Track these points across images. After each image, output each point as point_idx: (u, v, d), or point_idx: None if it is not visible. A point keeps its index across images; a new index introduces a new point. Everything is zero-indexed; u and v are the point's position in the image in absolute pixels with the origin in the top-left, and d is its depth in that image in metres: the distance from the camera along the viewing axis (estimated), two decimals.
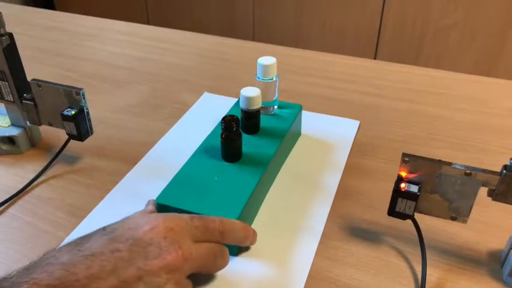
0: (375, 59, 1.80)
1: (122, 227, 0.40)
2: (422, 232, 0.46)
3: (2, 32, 0.56)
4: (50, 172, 0.59)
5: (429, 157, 0.44)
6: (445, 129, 0.67)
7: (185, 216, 0.42)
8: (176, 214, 0.43)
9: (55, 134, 0.64)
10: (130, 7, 2.21)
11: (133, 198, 0.54)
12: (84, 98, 0.56)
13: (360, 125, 0.67)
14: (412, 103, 0.73)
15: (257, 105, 0.55)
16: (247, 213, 0.49)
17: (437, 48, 1.77)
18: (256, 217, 0.52)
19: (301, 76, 0.81)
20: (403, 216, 0.46)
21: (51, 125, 0.60)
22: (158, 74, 0.83)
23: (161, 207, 0.48)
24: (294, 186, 0.56)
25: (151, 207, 0.48)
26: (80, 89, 0.56)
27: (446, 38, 1.73)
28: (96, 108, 0.65)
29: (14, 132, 0.62)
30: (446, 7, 1.67)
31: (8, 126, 0.63)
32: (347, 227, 0.51)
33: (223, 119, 0.51)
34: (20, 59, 0.59)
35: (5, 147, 0.62)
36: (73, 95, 0.56)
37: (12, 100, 0.60)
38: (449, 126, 0.67)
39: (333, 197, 0.54)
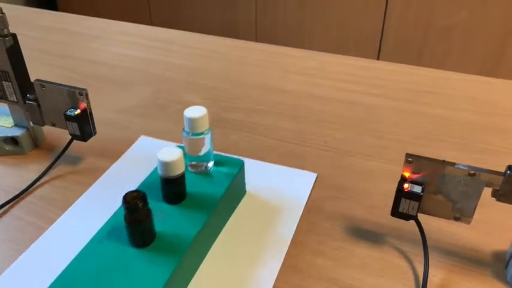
0: (378, 59, 1.80)
1: None
2: (426, 233, 0.46)
3: (6, 33, 0.56)
4: (52, 172, 0.59)
5: (433, 157, 0.44)
6: (449, 129, 0.67)
7: None
8: None
9: (58, 135, 0.64)
10: (132, 8, 2.21)
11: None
12: (87, 98, 0.56)
13: (317, 178, 0.57)
14: (415, 104, 0.73)
15: (178, 170, 0.45)
16: None
17: (440, 49, 1.76)
18: None
19: (304, 77, 0.81)
20: (406, 216, 0.46)
21: (54, 125, 0.60)
22: (161, 75, 0.83)
23: None
24: (227, 268, 0.46)
25: None
26: (83, 89, 0.56)
27: (449, 38, 1.72)
28: (99, 109, 0.65)
29: (17, 132, 0.62)
30: (449, 7, 1.67)
31: (11, 126, 0.63)
32: (350, 227, 0.51)
33: (125, 197, 0.40)
34: (23, 59, 0.59)
35: (8, 147, 0.62)
36: (76, 95, 0.56)
37: (15, 100, 0.60)
38: (452, 127, 0.67)
39: (273, 282, 0.45)
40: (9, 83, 0.59)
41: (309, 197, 0.55)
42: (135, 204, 0.40)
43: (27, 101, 0.60)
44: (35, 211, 0.54)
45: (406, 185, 0.44)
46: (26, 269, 0.47)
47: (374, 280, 0.45)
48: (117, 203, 0.47)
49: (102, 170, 0.59)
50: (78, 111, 0.57)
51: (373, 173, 0.59)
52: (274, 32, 2.00)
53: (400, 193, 0.44)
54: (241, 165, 0.52)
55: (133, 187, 0.49)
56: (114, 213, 0.46)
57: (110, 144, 0.64)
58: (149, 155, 0.47)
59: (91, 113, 0.58)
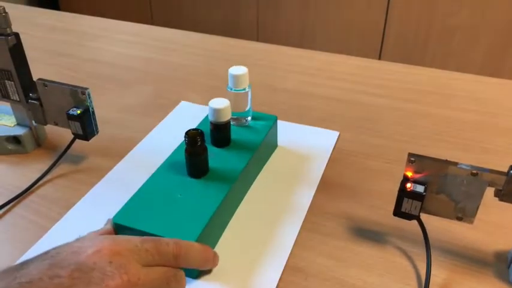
0: (379, 59, 1.80)
1: (66, 251, 0.37)
2: (428, 232, 0.46)
3: (8, 32, 0.56)
4: (55, 171, 0.60)
5: (435, 157, 0.43)
6: (451, 129, 0.66)
7: (135, 238, 0.40)
8: (125, 237, 0.41)
9: (60, 134, 0.64)
10: (134, 8, 2.21)
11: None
12: (89, 98, 0.56)
13: (339, 136, 0.65)
14: (417, 103, 0.73)
15: (226, 117, 0.53)
16: (209, 233, 0.46)
17: (442, 48, 1.76)
18: (224, 235, 0.50)
19: (306, 76, 0.81)
20: (408, 216, 0.46)
21: (56, 124, 0.60)
22: (163, 74, 0.83)
23: (118, 227, 0.45)
24: (264, 203, 0.54)
25: (109, 226, 0.46)
26: (86, 88, 0.56)
27: (451, 37, 1.72)
28: (101, 108, 0.65)
29: (20, 131, 0.62)
30: (451, 7, 1.67)
31: (14, 125, 0.63)
32: (352, 227, 0.51)
33: (187, 133, 0.49)
34: (26, 58, 0.59)
35: (10, 146, 0.62)
36: (79, 95, 0.56)
37: (18, 99, 0.60)
38: (454, 127, 0.67)
39: (304, 215, 0.52)
40: (12, 82, 0.59)
41: (332, 151, 0.62)
42: (195, 139, 0.48)
43: (29, 100, 0.60)
44: (37, 210, 0.54)
45: (408, 185, 0.44)
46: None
47: (376, 280, 0.45)
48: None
49: (105, 169, 0.59)
50: (81, 110, 0.57)
51: (375, 172, 0.59)
52: (276, 33, 2.00)
53: (402, 193, 0.44)
54: (274, 120, 0.60)
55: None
56: (172, 153, 0.54)
57: (112, 143, 0.64)
58: (189, 119, 0.60)
59: (93, 112, 0.58)
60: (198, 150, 0.49)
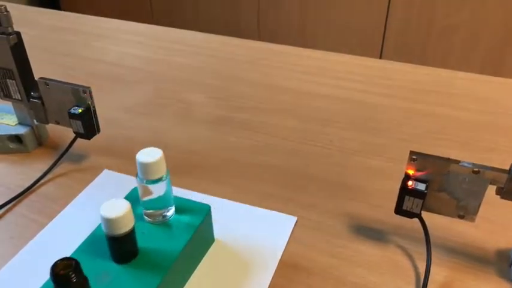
0: (380, 58, 1.80)
1: None
2: (430, 230, 0.46)
3: (10, 31, 0.56)
4: (56, 170, 0.60)
5: (437, 155, 0.44)
6: (452, 128, 0.66)
7: None
8: None
9: (62, 133, 0.64)
10: (135, 7, 2.21)
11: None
12: (91, 96, 0.56)
13: (296, 221, 0.51)
14: (418, 102, 0.73)
15: (125, 227, 0.38)
16: None
17: (443, 48, 1.76)
18: None
19: (307, 75, 0.81)
20: (410, 214, 0.46)
21: (58, 123, 0.60)
22: (164, 74, 0.83)
23: None
24: None
25: None
26: (87, 87, 0.56)
27: (452, 37, 1.72)
28: (102, 108, 0.65)
29: (21, 130, 0.62)
30: (451, 6, 1.67)
31: (15, 124, 0.63)
32: (354, 225, 0.51)
33: (53, 268, 0.33)
34: (27, 57, 0.59)
35: (12, 145, 0.62)
36: (80, 94, 0.56)
37: (19, 98, 0.60)
38: (456, 126, 0.67)
39: None
40: (14, 81, 0.59)
41: (286, 246, 0.48)
42: (66, 277, 0.33)
43: (31, 99, 0.60)
44: (38, 209, 0.54)
45: (410, 183, 0.44)
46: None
47: (377, 278, 0.45)
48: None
49: (106, 168, 0.59)
50: (82, 109, 0.57)
51: (376, 171, 0.59)
52: (276, 33, 2.00)
53: (404, 191, 0.44)
54: (206, 212, 0.45)
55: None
56: (44, 283, 0.38)
57: (113, 142, 0.64)
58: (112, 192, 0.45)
59: (95, 111, 0.58)
60: None
